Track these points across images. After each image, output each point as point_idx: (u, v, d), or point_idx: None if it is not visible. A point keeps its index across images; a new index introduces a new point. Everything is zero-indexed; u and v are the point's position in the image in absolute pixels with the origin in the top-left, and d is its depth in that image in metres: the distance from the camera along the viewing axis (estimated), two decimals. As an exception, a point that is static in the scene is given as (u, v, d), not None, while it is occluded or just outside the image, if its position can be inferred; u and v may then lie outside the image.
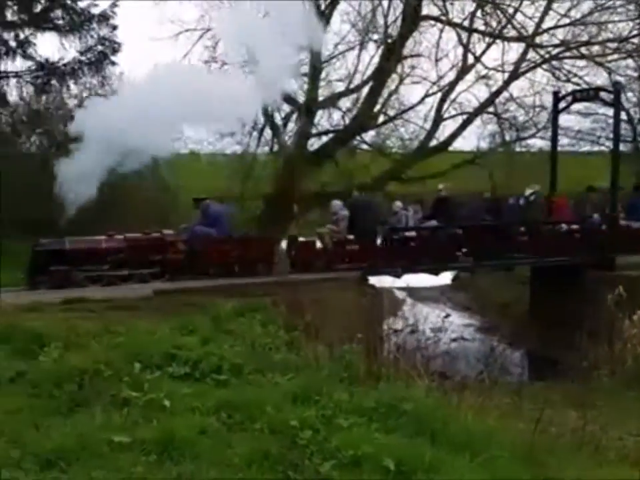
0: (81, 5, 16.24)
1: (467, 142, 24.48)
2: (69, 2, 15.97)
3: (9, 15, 16.46)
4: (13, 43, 16.43)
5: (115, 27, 16.64)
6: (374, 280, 12.33)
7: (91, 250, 10.88)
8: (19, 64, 16.67)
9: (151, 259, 11.03)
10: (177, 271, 11.13)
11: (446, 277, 18.48)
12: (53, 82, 16.96)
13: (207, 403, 4.63)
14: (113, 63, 17.02)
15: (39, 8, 16.33)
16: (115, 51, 16.74)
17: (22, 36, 16.47)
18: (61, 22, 15.86)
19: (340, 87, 22.49)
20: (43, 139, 16.74)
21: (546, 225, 14.55)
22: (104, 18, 16.21)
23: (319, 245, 12.58)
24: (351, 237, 12.51)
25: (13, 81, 17.03)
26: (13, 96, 17.12)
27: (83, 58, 16.42)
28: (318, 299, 9.03)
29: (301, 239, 12.90)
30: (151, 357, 5.68)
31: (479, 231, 13.59)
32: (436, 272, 14.00)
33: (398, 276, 12.61)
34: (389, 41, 20.62)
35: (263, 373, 5.54)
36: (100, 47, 16.42)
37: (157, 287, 10.46)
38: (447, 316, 11.26)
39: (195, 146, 20.75)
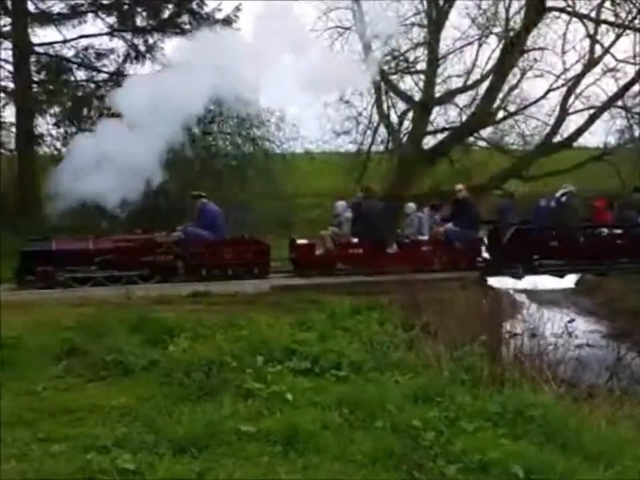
0: (206, 9, 16.96)
1: (594, 137, 23.23)
2: (195, 7, 16.71)
3: (139, 21, 17.47)
4: (142, 48, 17.45)
5: (237, 31, 17.23)
6: (493, 281, 11.94)
7: (76, 251, 10.73)
8: (147, 68, 17.67)
9: (139, 260, 10.78)
10: (167, 273, 10.94)
11: (569, 280, 17.46)
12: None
13: (328, 399, 4.67)
14: (236, 67, 17.59)
15: (167, 14, 17.20)
16: (240, 54, 17.31)
17: (150, 41, 17.44)
18: (187, 27, 16.62)
19: (457, 83, 22.10)
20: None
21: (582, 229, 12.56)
22: (227, 22, 16.84)
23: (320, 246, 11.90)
24: (355, 240, 11.85)
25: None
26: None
27: (208, 60, 17.11)
28: (436, 298, 8.86)
29: (301, 240, 12.10)
30: (271, 351, 5.82)
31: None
32: (561, 274, 13.08)
33: (519, 277, 12.06)
34: (511, 34, 19.96)
35: (382, 371, 5.52)
36: (225, 50, 17.05)
37: (274, 282, 10.69)
38: (571, 321, 10.64)
39: (309, 145, 21.11)
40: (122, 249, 10.77)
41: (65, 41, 17.53)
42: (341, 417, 4.37)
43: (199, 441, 3.80)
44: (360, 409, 4.49)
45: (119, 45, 17.54)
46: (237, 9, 16.95)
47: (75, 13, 16.81)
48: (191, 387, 4.91)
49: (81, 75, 17.48)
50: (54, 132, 17.30)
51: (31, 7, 16.94)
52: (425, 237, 12.38)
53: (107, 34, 17.22)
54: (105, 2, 16.81)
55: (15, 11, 16.32)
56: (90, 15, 16.99)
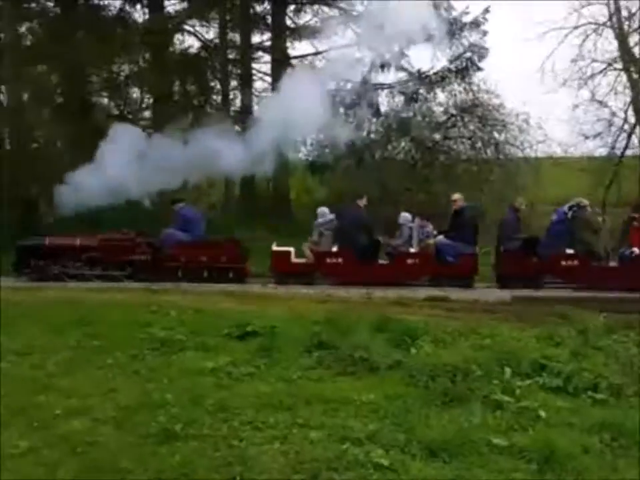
0: (454, 13, 16.96)
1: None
2: (444, 13, 16.78)
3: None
4: (387, 56, 17.93)
5: (485, 33, 16.99)
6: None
7: (65, 246, 11.28)
8: (391, 76, 18.14)
9: (120, 258, 11.15)
10: (142, 272, 11.09)
11: None
12: (422, 91, 18.02)
13: (586, 421, 4.35)
14: (479, 69, 17.37)
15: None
16: (481, 57, 17.06)
17: (396, 49, 17.85)
18: (435, 33, 16.74)
19: None
20: (411, 146, 17.91)
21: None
22: (475, 25, 16.65)
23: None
24: (334, 249, 11.22)
25: (384, 92, 18.63)
26: (384, 106, 18.74)
27: (452, 66, 17.11)
28: None
29: (277, 247, 11.54)
30: (519, 364, 5.58)
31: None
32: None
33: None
34: None
35: (645, 398, 4.98)
36: (468, 54, 16.92)
37: (516, 293, 10.27)
38: None
39: (556, 149, 19.92)
40: (104, 247, 11.29)
41: (316, 53, 18.79)
42: (602, 443, 4.03)
43: (450, 446, 3.77)
44: (624, 436, 4.10)
45: (365, 54, 18.29)
46: (486, 10, 16.71)
47: (327, 26, 17.87)
48: (436, 391, 4.89)
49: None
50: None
51: (288, 22, 18.45)
52: (412, 249, 11.42)
53: (355, 45, 18.02)
54: (354, 14, 17.65)
55: (275, 27, 17.85)
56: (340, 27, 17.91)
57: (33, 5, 19.74)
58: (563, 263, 10.74)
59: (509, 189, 17.09)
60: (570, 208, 11.10)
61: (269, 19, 18.09)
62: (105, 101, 21.26)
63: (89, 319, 7.12)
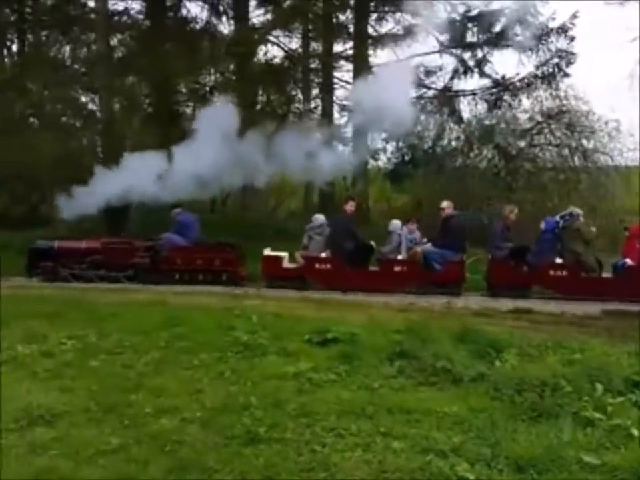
0: (541, 19, 16.53)
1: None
2: (529, 18, 16.40)
3: (469, 36, 17.76)
4: (471, 62, 17.69)
5: (572, 39, 16.47)
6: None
7: (72, 249, 11.84)
8: (474, 82, 17.86)
9: (121, 261, 11.65)
10: (142, 274, 11.59)
11: None
12: (506, 97, 17.66)
13: (683, 442, 4.11)
14: (566, 75, 16.85)
15: (498, 27, 17.18)
16: (569, 63, 16.55)
17: (479, 55, 17.58)
18: (520, 39, 16.41)
19: None
20: (494, 153, 17.56)
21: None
22: (563, 30, 16.18)
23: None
24: (323, 255, 11.26)
25: (466, 98, 18.37)
26: (466, 113, 18.47)
27: (538, 72, 16.68)
28: None
29: (268, 252, 11.60)
30: (610, 380, 5.34)
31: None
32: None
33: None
34: None
35: None
36: (555, 60, 16.45)
37: (606, 307, 9.84)
38: None
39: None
40: (107, 250, 11.77)
41: (398, 61, 18.73)
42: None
43: (539, 463, 3.66)
44: None
45: (448, 61, 18.14)
46: (574, 16, 16.19)
47: (409, 34, 17.81)
48: (523, 405, 4.76)
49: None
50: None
51: (370, 30, 18.52)
52: (400, 256, 11.29)
53: (437, 52, 17.91)
54: (438, 21, 17.51)
55: (357, 35, 17.94)
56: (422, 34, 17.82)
57: (125, 17, 20.70)
58: (552, 272, 10.55)
59: (597, 197, 16.46)
60: (562, 217, 10.84)
61: (351, 28, 18.19)
62: (190, 110, 21.98)
63: (176, 321, 7.34)
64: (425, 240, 11.51)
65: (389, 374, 5.62)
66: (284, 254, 11.65)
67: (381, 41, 18.32)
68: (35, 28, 21.78)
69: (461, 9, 17.59)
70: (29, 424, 4.44)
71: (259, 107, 17.55)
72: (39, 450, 4.05)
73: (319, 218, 11.85)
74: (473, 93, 18.18)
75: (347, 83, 19.20)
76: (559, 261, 10.66)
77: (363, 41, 17.95)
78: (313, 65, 19.02)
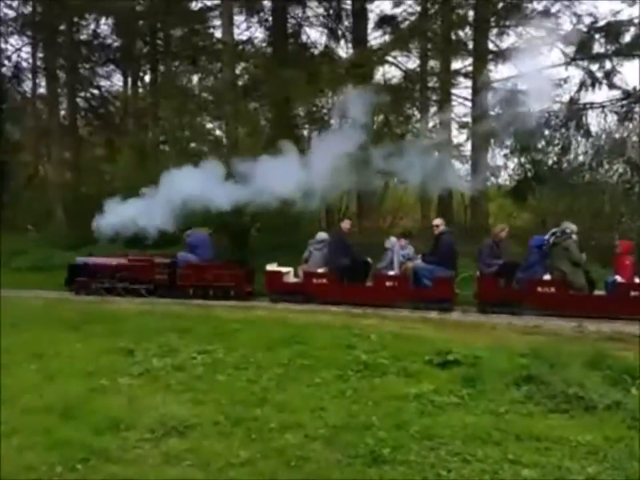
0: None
1: None
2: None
3: (596, 47, 16.94)
4: (598, 74, 16.84)
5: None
6: None
7: (103, 265, 12.88)
8: (602, 94, 16.99)
9: (145, 277, 12.59)
10: (161, 289, 12.49)
11: None
12: (637, 109, 16.65)
13: None
14: None
15: (628, 37, 16.28)
16: None
17: (608, 66, 16.72)
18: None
19: None
20: (626, 168, 16.56)
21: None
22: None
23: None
24: (320, 270, 11.66)
25: (594, 111, 17.48)
26: (594, 126, 17.55)
27: (674, 81, 15.62)
28: None
29: (271, 267, 12.09)
30: None
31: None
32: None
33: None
34: None
35: None
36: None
37: None
38: None
39: None
40: (132, 267, 12.75)
41: (519, 75, 18.20)
42: None
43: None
44: None
45: (573, 73, 17.37)
46: None
47: (532, 47, 17.27)
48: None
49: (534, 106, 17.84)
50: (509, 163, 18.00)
51: (490, 45, 18.16)
52: (392, 272, 11.35)
53: (563, 64, 17.21)
54: (562, 33, 16.88)
55: (476, 51, 17.65)
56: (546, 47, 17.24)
57: (249, 46, 21.62)
58: (539, 289, 10.30)
59: None
60: (553, 233, 10.49)
61: (470, 44, 17.93)
62: (306, 132, 22.52)
63: (297, 339, 7.50)
64: (418, 256, 11.54)
65: (516, 399, 5.43)
66: (286, 269, 12.07)
67: (501, 55, 17.89)
68: (166, 59, 23.27)
69: (587, 20, 16.86)
70: (164, 435, 4.68)
71: (376, 127, 17.66)
72: (173, 460, 4.26)
73: (321, 235, 12.27)
74: (602, 106, 17.28)
75: (466, 99, 18.92)
76: (546, 277, 10.38)
77: (483, 57, 17.62)
78: (430, 84, 18.90)
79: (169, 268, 12.60)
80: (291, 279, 12.02)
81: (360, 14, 18.82)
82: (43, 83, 25.78)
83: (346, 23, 21.03)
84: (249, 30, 22.15)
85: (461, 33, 17.87)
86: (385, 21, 19.32)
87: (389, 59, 18.29)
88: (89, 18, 24.03)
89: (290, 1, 20.21)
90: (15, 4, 24.56)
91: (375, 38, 19.71)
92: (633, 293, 9.92)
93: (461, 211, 21.17)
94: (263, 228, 16.24)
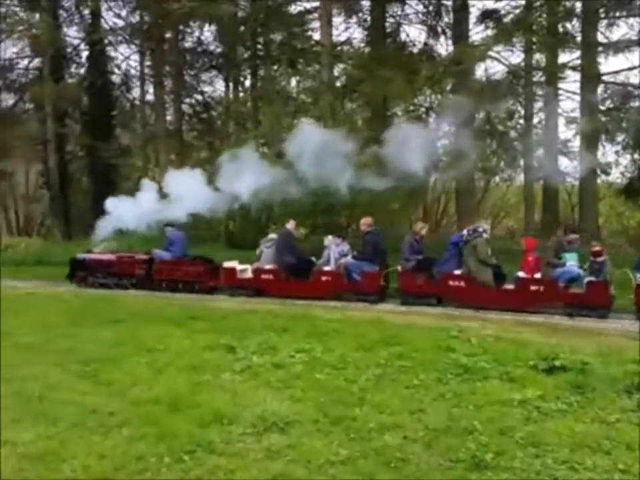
0: None
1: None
2: None
3: None
4: None
5: None
6: None
7: (96, 261, 14.15)
8: None
9: (129, 272, 13.74)
10: (141, 283, 13.53)
11: None
12: None
13: None
14: None
15: None
16: None
17: None
18: None
19: None
20: None
21: None
22: None
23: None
24: (267, 266, 12.59)
25: None
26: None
27: None
28: None
29: (226, 264, 13.01)
30: None
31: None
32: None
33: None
34: None
35: None
36: None
37: None
38: None
39: None
40: (119, 263, 13.90)
41: (631, 68, 17.31)
42: None
43: None
44: None
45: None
46: None
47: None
48: None
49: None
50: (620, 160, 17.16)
51: (599, 37, 17.33)
52: (328, 268, 12.20)
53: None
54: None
55: (585, 44, 16.88)
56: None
57: (347, 47, 21.73)
58: (451, 283, 11.00)
59: None
60: (468, 231, 11.16)
61: (579, 37, 17.15)
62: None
63: (395, 340, 7.45)
64: (353, 253, 12.26)
65: (627, 407, 5.14)
66: (241, 266, 12.98)
67: (612, 48, 16.98)
68: (266, 63, 23.79)
69: None
70: (265, 430, 4.77)
71: (477, 124, 17.24)
72: (275, 455, 4.33)
73: (272, 235, 13.41)
74: None
75: (574, 93, 18.13)
76: (457, 272, 11.01)
77: (592, 49, 16.80)
78: (535, 78, 18.25)
79: (147, 264, 13.73)
80: (247, 274, 12.86)
81: (461, 9, 18.44)
82: (151, 90, 27.12)
83: (446, 19, 20.71)
84: (347, 31, 22.28)
85: (568, 25, 17.13)
86: (487, 16, 18.85)
87: (492, 54, 17.81)
88: (193, 26, 25.01)
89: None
90: (123, 14, 25.99)
91: (477, 33, 19.29)
92: (532, 287, 10.43)
93: (567, 210, 20.39)
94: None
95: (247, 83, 25.95)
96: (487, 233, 11.05)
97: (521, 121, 18.67)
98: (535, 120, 18.87)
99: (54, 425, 4.98)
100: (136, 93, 28.89)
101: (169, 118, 26.29)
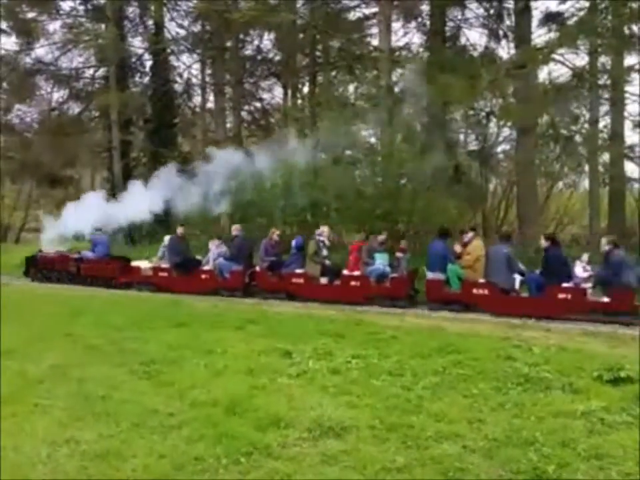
0: None
1: None
2: None
3: None
4: None
5: None
6: None
7: (44, 259, 16.43)
8: None
9: (65, 268, 15.92)
10: (73, 279, 15.60)
11: None
12: None
13: None
14: None
15: None
16: None
17: None
18: None
19: None
20: None
21: None
22: None
23: None
24: (163, 265, 14.51)
25: None
26: None
27: None
28: None
29: (135, 263, 15.21)
30: None
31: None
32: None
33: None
34: None
35: None
36: None
37: None
38: None
39: None
40: (59, 260, 16.14)
41: None
42: None
43: None
44: None
45: None
46: None
47: None
48: None
49: None
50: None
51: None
52: (207, 267, 13.96)
53: None
54: None
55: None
56: None
57: (405, 52, 21.60)
58: (293, 280, 12.83)
59: None
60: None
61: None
62: (462, 137, 22.01)
63: (453, 348, 7.34)
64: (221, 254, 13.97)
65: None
66: (145, 264, 14.92)
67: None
68: (324, 70, 23.88)
69: None
70: (321, 435, 4.76)
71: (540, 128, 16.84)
72: (331, 461, 4.31)
73: (166, 237, 14.96)
74: None
75: (640, 97, 17.48)
76: (299, 270, 12.83)
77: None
78: (601, 81, 17.69)
79: (77, 262, 15.76)
80: (149, 272, 14.59)
81: (523, 12, 18.05)
82: (211, 98, 27.62)
83: (507, 22, 20.34)
84: (406, 36, 22.14)
85: (634, 27, 16.54)
86: (550, 18, 18.40)
87: (555, 56, 17.35)
88: (252, 34, 25.37)
89: (449, 3, 19.91)
90: (185, 24, 26.59)
91: (539, 36, 18.85)
92: (353, 283, 12.24)
93: (635, 217, 19.68)
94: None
95: (305, 89, 26.15)
96: (321, 236, 12.97)
97: (586, 125, 18.13)
98: (601, 124, 18.29)
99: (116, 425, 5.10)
100: (197, 100, 29.53)
101: (228, 125, 26.65)
